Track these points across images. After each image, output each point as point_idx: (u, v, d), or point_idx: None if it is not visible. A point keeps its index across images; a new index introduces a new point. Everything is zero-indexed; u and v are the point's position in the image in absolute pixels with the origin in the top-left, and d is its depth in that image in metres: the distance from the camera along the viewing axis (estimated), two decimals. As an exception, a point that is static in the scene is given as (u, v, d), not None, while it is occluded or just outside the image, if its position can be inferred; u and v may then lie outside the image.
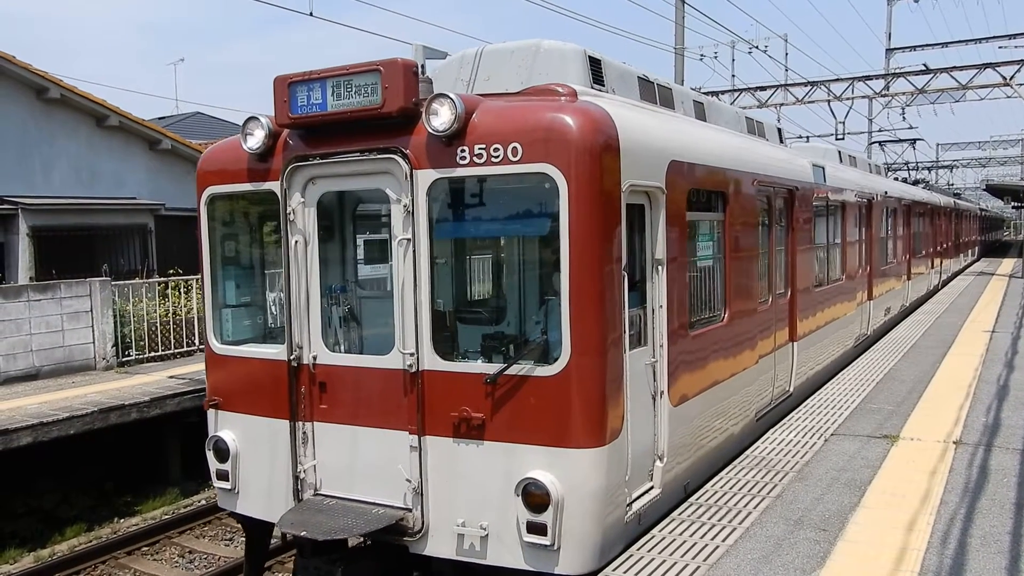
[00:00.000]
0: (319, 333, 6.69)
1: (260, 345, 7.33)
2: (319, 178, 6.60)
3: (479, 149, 5.79)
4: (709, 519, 6.34)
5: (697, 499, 6.80)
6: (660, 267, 6.56)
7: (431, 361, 6.09)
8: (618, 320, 5.89)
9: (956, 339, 14.90)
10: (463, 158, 5.85)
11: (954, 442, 8.19)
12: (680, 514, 6.48)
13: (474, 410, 5.89)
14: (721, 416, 7.98)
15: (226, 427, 7.23)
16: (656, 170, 6.50)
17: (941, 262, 27.89)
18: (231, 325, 7.53)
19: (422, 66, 6.21)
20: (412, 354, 6.11)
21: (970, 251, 43.04)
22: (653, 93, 8.03)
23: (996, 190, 67.69)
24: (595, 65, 7.08)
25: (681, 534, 6.05)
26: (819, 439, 8.46)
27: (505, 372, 5.80)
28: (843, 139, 27.99)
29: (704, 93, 27.40)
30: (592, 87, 6.89)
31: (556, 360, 5.71)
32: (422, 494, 6.12)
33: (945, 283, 28.16)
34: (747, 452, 8.12)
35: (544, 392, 5.72)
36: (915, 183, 29.22)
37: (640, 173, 6.19)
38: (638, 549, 5.82)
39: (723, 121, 9.77)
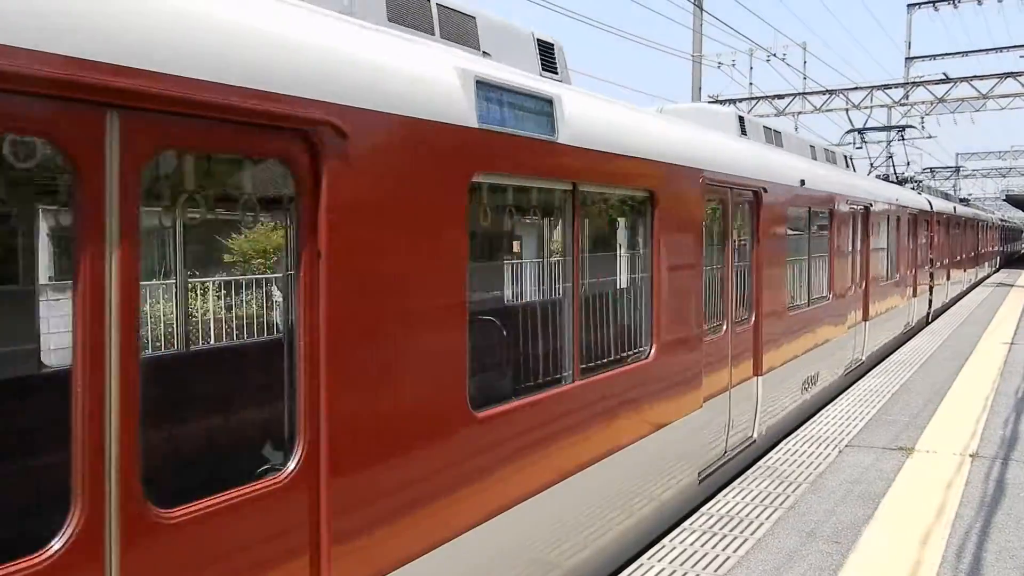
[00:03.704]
0: None
1: None
2: None
3: None
4: (720, 529, 6.29)
5: (709, 509, 6.76)
6: None
7: None
8: None
9: (974, 351, 14.77)
10: None
11: (970, 455, 8.10)
12: (692, 524, 6.44)
13: None
14: None
15: None
16: None
17: (931, 286, 21.64)
18: None
19: None
20: None
21: (984, 264, 41.86)
22: None
23: (1016, 200, 67.05)
24: None
25: (692, 544, 6.01)
26: (833, 450, 8.39)
27: None
28: (861, 148, 27.83)
29: (720, 102, 27.29)
30: None
31: None
32: None
33: (939, 314, 22.31)
34: (759, 463, 8.08)
35: None
36: (900, 182, 25.34)
37: None
38: (648, 559, 5.79)
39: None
